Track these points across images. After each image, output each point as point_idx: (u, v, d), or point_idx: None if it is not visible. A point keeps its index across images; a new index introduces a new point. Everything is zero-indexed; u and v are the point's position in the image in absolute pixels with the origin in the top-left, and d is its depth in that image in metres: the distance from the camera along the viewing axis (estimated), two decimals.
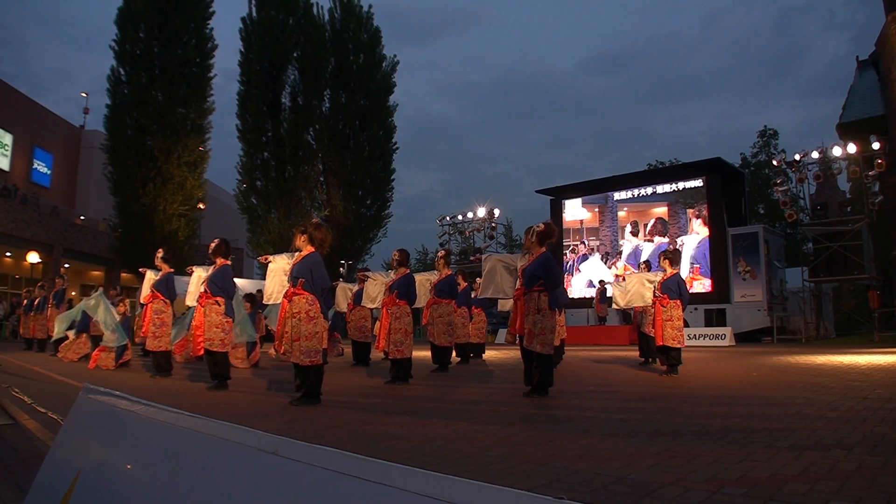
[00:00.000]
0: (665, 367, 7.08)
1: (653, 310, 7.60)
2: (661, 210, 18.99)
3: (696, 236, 18.07)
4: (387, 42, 26.97)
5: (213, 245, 6.33)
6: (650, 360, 8.49)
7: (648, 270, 9.00)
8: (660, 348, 7.25)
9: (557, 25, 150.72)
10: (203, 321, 5.97)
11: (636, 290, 8.51)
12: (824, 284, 16.98)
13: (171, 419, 1.35)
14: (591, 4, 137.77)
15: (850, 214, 15.70)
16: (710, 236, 17.51)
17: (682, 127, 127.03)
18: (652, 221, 19.12)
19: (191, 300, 6.94)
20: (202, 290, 6.15)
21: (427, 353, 8.51)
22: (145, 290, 7.69)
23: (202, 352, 6.01)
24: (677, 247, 17.88)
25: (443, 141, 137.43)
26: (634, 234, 19.48)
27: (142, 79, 21.46)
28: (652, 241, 19.00)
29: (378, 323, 7.04)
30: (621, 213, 19.95)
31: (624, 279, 9.07)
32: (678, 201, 18.66)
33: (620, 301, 8.88)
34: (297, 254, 5.04)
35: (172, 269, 7.53)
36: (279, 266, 5.54)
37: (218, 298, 6.02)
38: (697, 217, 18.13)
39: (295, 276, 4.82)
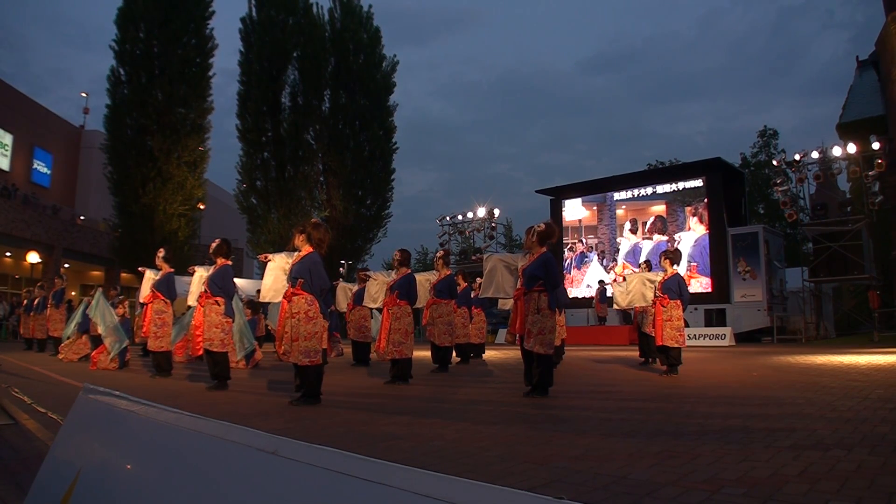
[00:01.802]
0: (665, 367, 7.08)
1: (653, 310, 7.59)
2: (660, 208, 19.06)
3: (692, 234, 18.12)
4: (386, 42, 26.99)
5: (213, 245, 6.33)
6: (650, 360, 8.49)
7: (649, 270, 8.99)
8: (659, 348, 7.25)
9: (556, 25, 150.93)
10: (203, 321, 5.97)
11: (637, 290, 8.50)
12: (824, 284, 16.97)
13: (171, 419, 1.35)
14: (589, 5, 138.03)
15: (850, 214, 15.70)
16: (710, 236, 17.52)
17: (681, 127, 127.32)
18: (651, 219, 19.18)
19: (192, 300, 6.94)
20: (202, 289, 6.15)
21: (427, 353, 8.51)
22: (145, 289, 7.69)
23: (202, 352, 6.01)
24: (676, 245, 17.93)
25: (442, 141, 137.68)
26: (633, 231, 19.56)
27: (142, 79, 21.47)
28: (651, 238, 19.08)
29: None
30: (619, 212, 20.02)
31: (624, 279, 9.06)
32: (676, 199, 18.73)
33: (621, 301, 8.87)
34: (296, 254, 5.04)
35: (173, 269, 7.53)
36: (278, 265, 5.53)
37: (218, 298, 6.02)
38: (694, 215, 18.21)
39: (294, 277, 4.81)
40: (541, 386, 5.08)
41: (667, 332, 7.06)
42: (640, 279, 8.54)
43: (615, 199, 20.07)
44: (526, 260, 5.41)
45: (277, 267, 5.46)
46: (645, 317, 8.41)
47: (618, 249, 19.73)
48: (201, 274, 6.87)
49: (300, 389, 4.82)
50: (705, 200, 18.01)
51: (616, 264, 19.43)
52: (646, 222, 19.28)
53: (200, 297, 6.11)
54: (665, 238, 18.65)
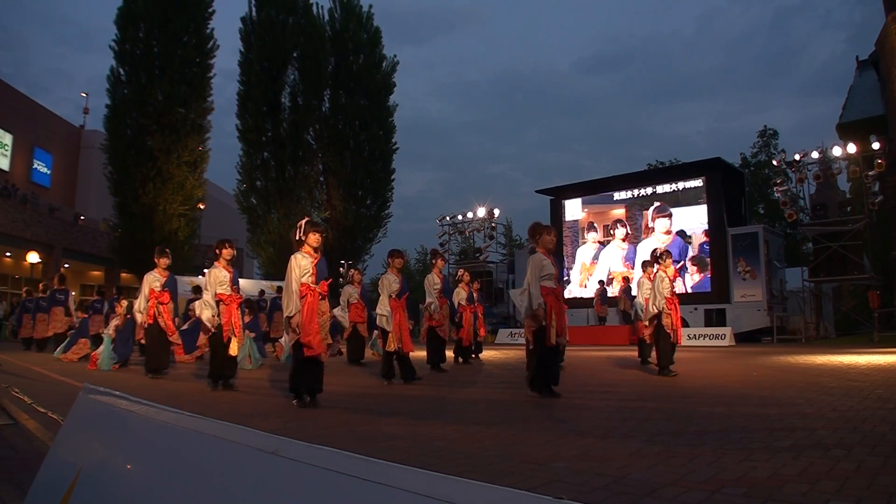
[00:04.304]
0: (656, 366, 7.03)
1: (669, 310, 7.25)
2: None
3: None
4: (384, 42, 27.02)
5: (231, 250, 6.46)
6: (648, 360, 8.45)
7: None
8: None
9: (553, 25, 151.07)
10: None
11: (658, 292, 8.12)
12: (824, 284, 16.97)
13: (171, 419, 1.35)
14: (586, 4, 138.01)
15: (850, 214, 15.70)
16: (710, 236, 17.52)
17: (679, 127, 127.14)
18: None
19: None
20: (227, 291, 6.13)
21: (425, 354, 8.51)
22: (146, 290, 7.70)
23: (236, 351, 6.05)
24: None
25: (441, 141, 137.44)
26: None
27: (142, 79, 21.48)
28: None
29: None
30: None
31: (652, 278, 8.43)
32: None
33: (655, 305, 7.48)
34: (312, 252, 4.92)
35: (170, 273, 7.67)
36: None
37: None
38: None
39: (325, 277, 4.90)
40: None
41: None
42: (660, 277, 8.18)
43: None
44: (550, 259, 5.32)
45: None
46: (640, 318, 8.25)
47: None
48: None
49: (315, 392, 4.79)
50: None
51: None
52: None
53: (227, 297, 6.12)
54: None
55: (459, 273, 10.25)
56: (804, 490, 2.14)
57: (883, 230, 17.91)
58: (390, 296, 6.69)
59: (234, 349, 6.02)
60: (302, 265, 4.78)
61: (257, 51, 23.91)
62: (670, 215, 18.30)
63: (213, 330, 5.99)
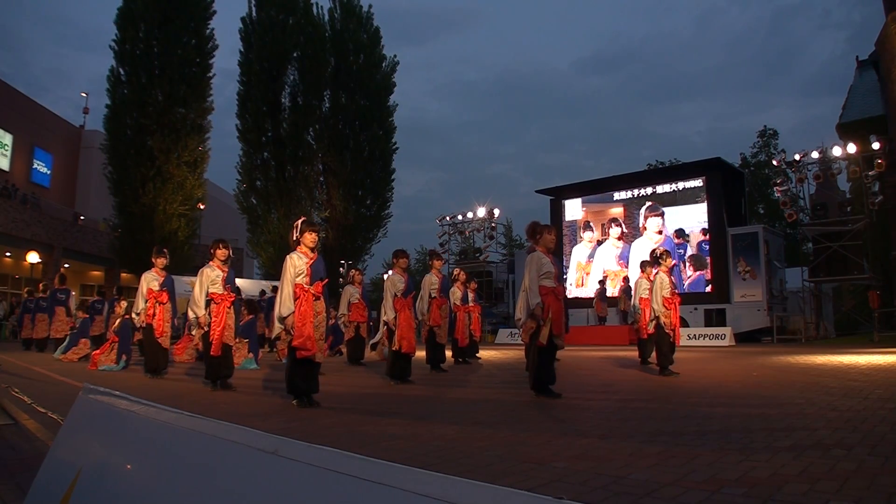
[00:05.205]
0: (657, 366, 7.03)
1: (668, 311, 7.25)
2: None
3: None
4: (384, 42, 27.02)
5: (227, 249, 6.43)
6: (648, 361, 8.45)
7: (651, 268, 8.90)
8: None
9: (553, 25, 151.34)
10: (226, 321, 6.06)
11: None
12: (824, 284, 16.96)
13: (171, 419, 1.35)
14: (585, 4, 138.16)
15: (850, 214, 15.69)
16: (710, 236, 17.53)
17: (679, 127, 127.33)
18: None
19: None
20: (219, 290, 6.13)
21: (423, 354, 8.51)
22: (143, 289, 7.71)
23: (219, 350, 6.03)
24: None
25: (440, 141, 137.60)
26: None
27: (142, 79, 21.50)
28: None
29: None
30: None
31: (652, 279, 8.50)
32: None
33: (657, 307, 7.44)
34: (309, 252, 4.91)
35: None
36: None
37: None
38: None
39: (322, 277, 4.84)
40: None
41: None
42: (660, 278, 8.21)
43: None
44: (549, 258, 5.29)
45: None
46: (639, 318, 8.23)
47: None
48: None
49: (311, 392, 4.77)
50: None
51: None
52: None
53: (219, 296, 6.11)
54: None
55: (455, 272, 10.25)
56: (804, 490, 2.14)
57: (883, 230, 17.91)
58: (395, 295, 6.69)
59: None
60: (297, 265, 4.75)
61: (257, 51, 23.91)
62: (662, 214, 18.34)
63: (203, 328, 6.01)
